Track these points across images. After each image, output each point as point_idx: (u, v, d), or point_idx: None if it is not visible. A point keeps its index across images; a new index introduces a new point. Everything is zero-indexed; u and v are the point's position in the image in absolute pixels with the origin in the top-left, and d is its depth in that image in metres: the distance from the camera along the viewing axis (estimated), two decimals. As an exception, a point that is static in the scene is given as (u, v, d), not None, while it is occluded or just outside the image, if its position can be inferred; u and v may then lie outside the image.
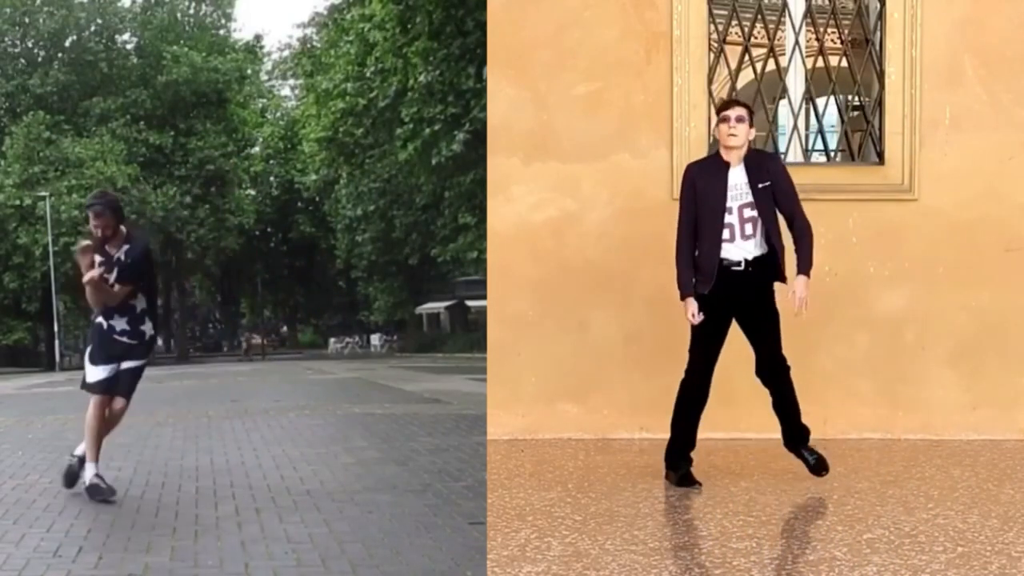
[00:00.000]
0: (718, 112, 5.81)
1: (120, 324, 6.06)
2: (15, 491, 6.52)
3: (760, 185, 5.66)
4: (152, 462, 7.56)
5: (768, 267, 5.71)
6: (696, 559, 4.56)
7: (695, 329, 5.78)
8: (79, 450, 6.19)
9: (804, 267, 5.73)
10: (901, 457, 6.61)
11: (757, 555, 4.59)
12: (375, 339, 56.24)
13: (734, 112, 5.68)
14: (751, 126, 5.75)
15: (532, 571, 4.38)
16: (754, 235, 5.68)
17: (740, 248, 5.68)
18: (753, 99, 7.27)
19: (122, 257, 6.00)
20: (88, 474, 5.99)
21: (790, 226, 5.81)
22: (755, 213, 5.65)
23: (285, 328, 68.22)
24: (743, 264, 5.68)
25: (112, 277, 5.96)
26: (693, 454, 5.95)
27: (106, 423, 6.10)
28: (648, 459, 6.48)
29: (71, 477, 6.23)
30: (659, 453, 6.09)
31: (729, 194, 5.66)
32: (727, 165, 5.72)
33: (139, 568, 4.47)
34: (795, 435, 5.95)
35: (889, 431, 7.11)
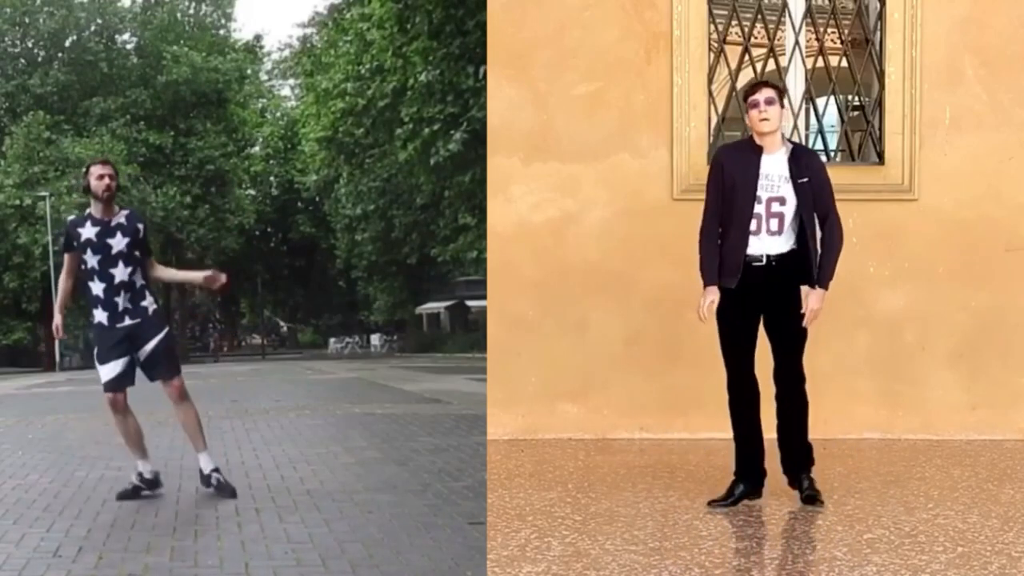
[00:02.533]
0: (745, 98, 5.36)
1: (122, 303, 5.92)
2: (15, 491, 6.52)
3: (800, 180, 5.23)
4: (152, 462, 7.54)
5: (793, 266, 5.29)
6: (696, 559, 4.55)
7: (720, 329, 5.38)
8: (141, 467, 6.16)
9: (824, 278, 5.32)
10: (901, 457, 6.61)
11: (757, 555, 4.59)
12: (375, 339, 56.23)
13: (763, 95, 5.22)
14: (783, 107, 5.35)
15: (532, 571, 4.37)
16: (780, 232, 5.27)
17: (763, 243, 5.26)
18: (753, 99, 7.28)
19: (123, 221, 5.97)
20: (205, 467, 6.10)
21: (824, 234, 5.35)
22: (783, 208, 5.24)
23: (285, 328, 68.22)
24: (764, 260, 5.27)
25: (115, 242, 5.92)
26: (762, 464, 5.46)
27: (180, 413, 6.10)
28: (648, 459, 6.48)
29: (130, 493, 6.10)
30: (659, 453, 6.10)
31: (760, 183, 5.23)
32: (760, 150, 5.28)
33: (139, 568, 4.46)
34: (796, 458, 5.45)
35: (889, 431, 7.11)
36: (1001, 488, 5.82)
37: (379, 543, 4.79)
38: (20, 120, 43.10)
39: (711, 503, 5.43)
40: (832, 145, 7.66)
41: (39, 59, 46.33)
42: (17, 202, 41.20)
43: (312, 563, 4.45)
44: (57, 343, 42.95)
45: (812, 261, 5.29)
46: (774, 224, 5.28)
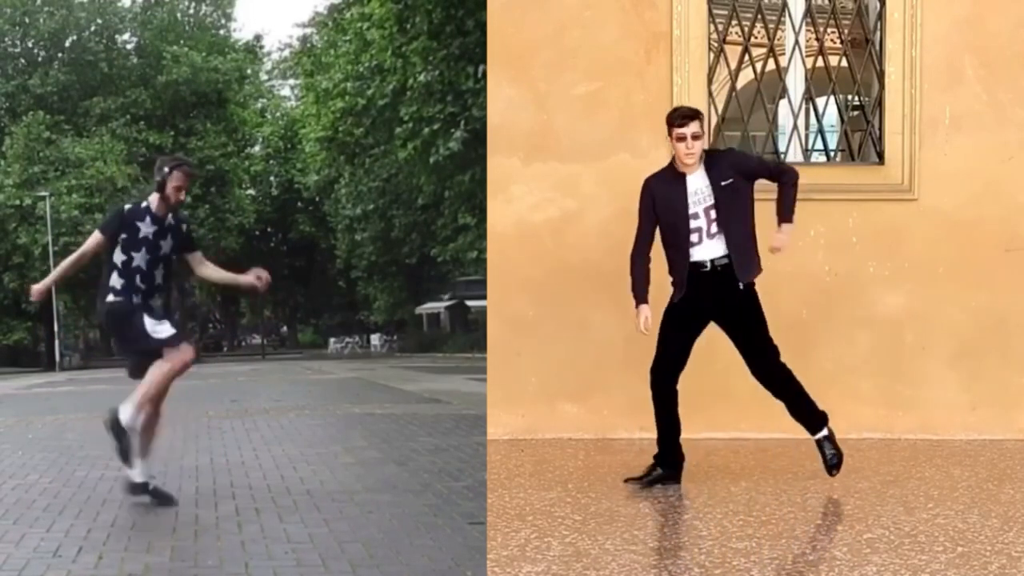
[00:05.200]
0: (669, 124, 5.74)
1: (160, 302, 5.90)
2: (15, 491, 6.52)
3: (723, 183, 5.67)
4: (152, 462, 7.54)
5: (747, 271, 5.72)
6: (696, 559, 4.55)
7: (662, 326, 5.84)
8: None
9: (788, 212, 5.75)
10: (901, 457, 6.61)
11: (757, 555, 4.59)
12: (375, 339, 56.23)
13: (690, 130, 5.66)
14: (704, 135, 5.81)
15: (532, 571, 4.37)
16: (720, 232, 5.69)
17: (707, 248, 5.70)
18: (753, 99, 7.29)
19: (171, 222, 5.89)
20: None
21: (779, 181, 5.81)
22: (717, 214, 5.67)
23: (285, 328, 68.21)
24: (709, 265, 5.69)
25: (166, 244, 5.84)
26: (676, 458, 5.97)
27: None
28: (648, 459, 6.47)
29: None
30: (659, 453, 6.08)
31: (691, 200, 5.70)
32: (683, 174, 5.75)
33: (139, 568, 4.46)
34: (811, 423, 5.89)
35: (889, 431, 7.10)
36: (1001, 488, 5.81)
37: (379, 543, 4.79)
38: (20, 120, 43.14)
39: (627, 480, 5.90)
40: (832, 145, 7.65)
41: (39, 59, 46.35)
42: (17, 202, 41.23)
43: (312, 563, 4.45)
44: (57, 343, 43.01)
45: (750, 251, 5.70)
46: (714, 228, 5.70)
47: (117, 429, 5.69)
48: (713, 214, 5.68)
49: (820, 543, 4.83)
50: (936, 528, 4.97)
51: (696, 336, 5.86)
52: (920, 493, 5.69)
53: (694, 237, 5.71)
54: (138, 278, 5.74)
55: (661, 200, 5.77)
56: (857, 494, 5.65)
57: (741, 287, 5.72)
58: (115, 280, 5.74)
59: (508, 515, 5.27)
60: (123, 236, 5.73)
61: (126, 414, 5.68)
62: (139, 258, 5.74)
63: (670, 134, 5.74)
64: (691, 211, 5.70)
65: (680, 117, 5.73)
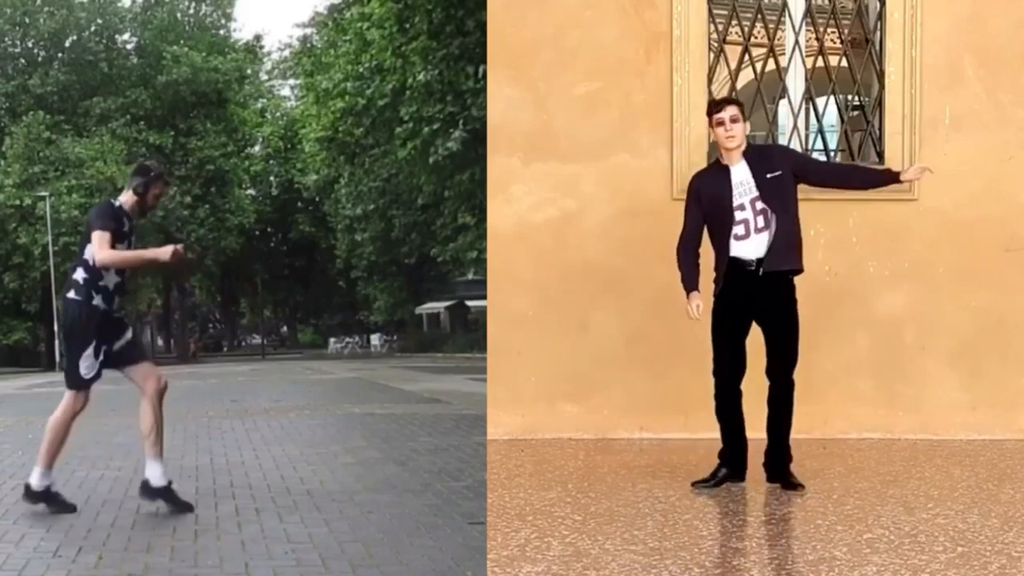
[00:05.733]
0: (709, 114, 5.78)
1: (117, 301, 5.74)
2: (15, 491, 6.51)
3: (769, 175, 5.64)
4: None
5: (782, 260, 5.66)
6: (696, 559, 4.55)
7: (712, 329, 5.77)
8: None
9: (890, 172, 5.94)
10: (901, 457, 6.61)
11: (757, 555, 4.58)
12: (375, 339, 56.23)
13: (728, 113, 5.67)
14: (745, 121, 5.76)
15: (532, 571, 4.37)
16: (767, 227, 5.64)
17: (754, 244, 5.65)
18: (753, 99, 7.28)
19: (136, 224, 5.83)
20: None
21: (844, 177, 6.03)
22: (766, 206, 5.63)
23: (285, 328, 68.22)
24: (755, 264, 5.65)
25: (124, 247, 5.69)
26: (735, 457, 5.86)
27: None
28: (648, 459, 6.48)
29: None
30: (659, 453, 6.09)
31: (736, 191, 5.66)
32: (727, 166, 5.73)
33: (139, 568, 4.46)
34: (779, 459, 5.79)
35: (889, 431, 7.11)
36: (1001, 488, 5.81)
37: (379, 543, 4.79)
38: (20, 120, 43.10)
39: (695, 484, 5.78)
40: (832, 145, 7.66)
41: (39, 59, 46.32)
42: (17, 202, 41.19)
43: (312, 563, 4.45)
44: (57, 343, 42.97)
45: (796, 245, 5.68)
46: (761, 221, 5.65)
47: (156, 492, 5.62)
48: (759, 205, 5.64)
49: (820, 543, 4.83)
50: (936, 528, 4.96)
51: (746, 332, 5.77)
52: (920, 493, 5.69)
53: (739, 229, 5.65)
54: (106, 278, 5.62)
55: (706, 193, 5.73)
56: (857, 494, 5.65)
57: (782, 288, 5.68)
58: (79, 275, 5.60)
59: (508, 515, 5.27)
60: (122, 230, 5.64)
61: (156, 473, 5.61)
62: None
63: (710, 124, 5.75)
64: (736, 202, 5.66)
65: (717, 103, 5.79)
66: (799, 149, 7.32)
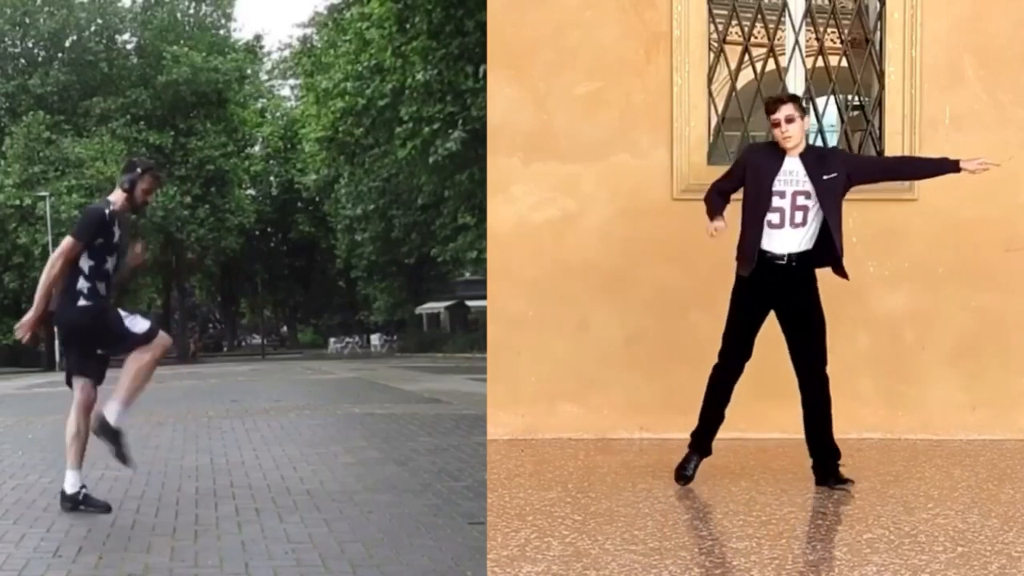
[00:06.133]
0: (767, 112, 5.69)
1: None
2: (15, 491, 6.52)
3: (825, 177, 5.57)
4: (152, 462, 7.55)
5: (814, 262, 5.65)
6: (696, 559, 4.55)
7: (730, 313, 5.74)
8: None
9: (947, 161, 5.80)
10: (901, 457, 6.61)
11: (757, 555, 4.58)
12: (375, 339, 56.21)
13: (783, 114, 5.57)
14: (804, 116, 5.66)
15: (532, 571, 4.37)
16: (804, 224, 5.59)
17: (788, 237, 5.59)
18: (753, 99, 7.29)
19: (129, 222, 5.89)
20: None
21: (906, 169, 6.15)
22: (807, 202, 5.57)
23: (285, 328, 68.21)
24: (786, 259, 5.60)
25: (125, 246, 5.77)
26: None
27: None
28: (648, 459, 6.48)
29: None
30: (659, 453, 6.09)
31: (782, 178, 5.57)
32: (784, 152, 5.63)
33: (139, 568, 4.46)
34: (827, 459, 5.79)
35: (889, 431, 7.11)
36: (1001, 488, 5.82)
37: (379, 543, 4.79)
38: (20, 120, 43.08)
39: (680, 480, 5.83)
40: (832, 145, 7.65)
41: (39, 59, 46.32)
42: (17, 202, 41.18)
43: (312, 563, 4.45)
44: (57, 343, 42.95)
45: (836, 253, 5.62)
46: (799, 217, 5.59)
47: (109, 432, 5.54)
48: (800, 201, 5.56)
49: (820, 543, 4.83)
50: (936, 528, 4.97)
51: (760, 325, 5.73)
52: (920, 493, 5.69)
53: (774, 217, 5.57)
54: (107, 282, 5.67)
55: (752, 168, 5.64)
56: (857, 494, 5.65)
57: (809, 283, 5.66)
58: (82, 284, 5.61)
59: (508, 515, 5.27)
60: (99, 241, 5.61)
61: (113, 414, 5.54)
62: (111, 262, 5.68)
63: (769, 120, 5.69)
64: (776, 188, 5.56)
65: (772, 102, 5.69)
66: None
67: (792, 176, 5.58)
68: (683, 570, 4.40)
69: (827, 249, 5.63)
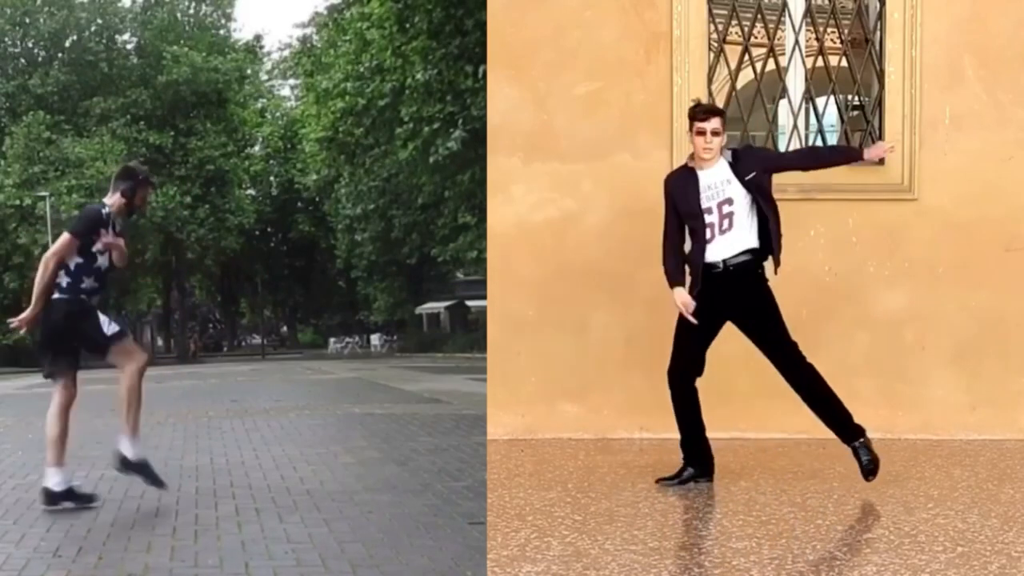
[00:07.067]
0: (691, 118, 5.76)
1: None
2: (15, 491, 6.53)
3: (747, 177, 5.68)
4: (152, 462, 7.55)
5: (750, 261, 5.73)
6: (696, 559, 4.56)
7: (677, 327, 5.82)
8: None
9: (853, 149, 6.23)
10: (901, 457, 6.61)
11: (757, 555, 4.59)
12: (375, 339, 56.21)
13: (711, 125, 5.68)
14: (723, 133, 5.79)
15: (532, 571, 4.37)
16: (731, 228, 5.69)
17: (721, 246, 5.70)
18: (753, 99, 7.29)
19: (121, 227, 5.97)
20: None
21: (806, 160, 6.22)
22: (732, 208, 5.68)
23: (285, 328, 68.20)
24: (721, 266, 5.71)
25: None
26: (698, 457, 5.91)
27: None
28: (648, 459, 6.48)
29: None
30: (659, 453, 6.09)
31: (704, 195, 5.70)
32: (694, 171, 5.76)
33: (139, 568, 4.47)
34: (842, 430, 5.82)
35: (889, 431, 7.09)
36: (1001, 488, 5.82)
37: (379, 543, 4.80)
38: (20, 120, 43.11)
39: (659, 480, 5.84)
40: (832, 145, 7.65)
41: (39, 59, 46.34)
42: (17, 202, 41.21)
43: (312, 563, 4.46)
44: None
45: (774, 244, 5.72)
46: (726, 224, 5.71)
47: (134, 467, 5.82)
48: (726, 209, 5.68)
49: (820, 543, 4.83)
50: (936, 528, 4.97)
51: (712, 336, 5.83)
52: (920, 493, 5.69)
53: (707, 233, 5.71)
54: (93, 279, 5.75)
55: (678, 196, 5.78)
56: (857, 494, 5.65)
57: (749, 280, 5.73)
58: (62, 279, 5.70)
59: (508, 515, 5.27)
60: (93, 239, 5.71)
61: (129, 449, 5.80)
62: (102, 260, 5.77)
63: (691, 127, 5.75)
64: (704, 206, 5.70)
65: (703, 112, 5.75)
66: (797, 147, 7.33)
67: (712, 190, 5.71)
68: (683, 570, 4.40)
69: (767, 244, 5.74)
